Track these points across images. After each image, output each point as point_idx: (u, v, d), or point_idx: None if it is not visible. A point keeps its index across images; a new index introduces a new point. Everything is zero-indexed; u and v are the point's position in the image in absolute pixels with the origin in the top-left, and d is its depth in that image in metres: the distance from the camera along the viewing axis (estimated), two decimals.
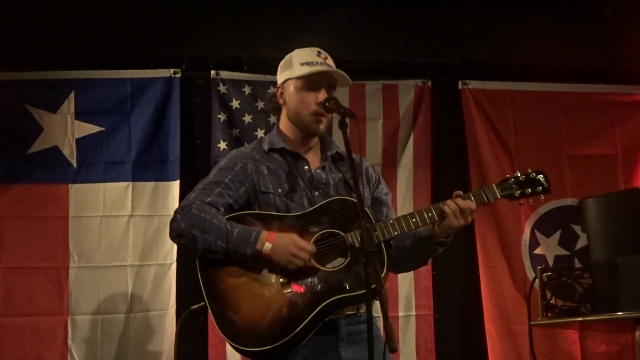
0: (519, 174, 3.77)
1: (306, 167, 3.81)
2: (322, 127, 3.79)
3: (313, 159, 3.86)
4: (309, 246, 3.57)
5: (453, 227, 3.63)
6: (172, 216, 3.77)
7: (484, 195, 3.70)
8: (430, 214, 3.64)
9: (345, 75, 3.80)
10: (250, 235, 3.58)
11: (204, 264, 3.66)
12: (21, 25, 6.10)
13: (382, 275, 3.38)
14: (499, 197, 3.73)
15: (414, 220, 3.64)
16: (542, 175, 3.77)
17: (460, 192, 3.68)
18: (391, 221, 3.65)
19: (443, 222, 3.64)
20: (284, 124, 3.90)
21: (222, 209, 3.70)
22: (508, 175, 3.79)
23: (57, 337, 5.91)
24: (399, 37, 6.59)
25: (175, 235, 3.72)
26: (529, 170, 3.78)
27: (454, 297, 6.49)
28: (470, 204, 3.64)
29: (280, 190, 3.75)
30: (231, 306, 3.59)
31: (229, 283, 3.61)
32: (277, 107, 3.94)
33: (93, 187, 6.07)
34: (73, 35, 6.14)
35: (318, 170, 3.82)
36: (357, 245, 3.57)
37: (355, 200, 3.58)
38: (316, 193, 3.77)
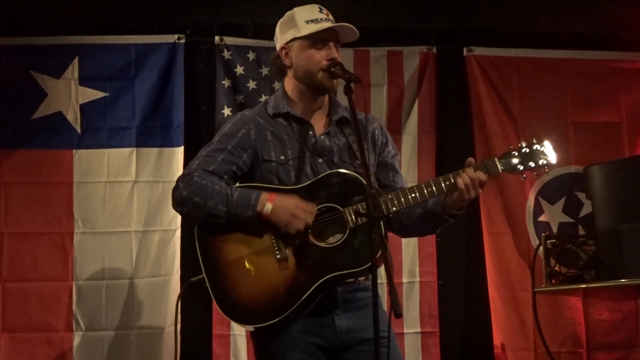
0: (523, 145, 3.67)
1: (310, 132, 3.78)
2: (336, 82, 3.74)
3: (318, 124, 3.83)
4: (311, 207, 3.57)
5: (464, 198, 3.57)
6: (174, 187, 3.76)
7: (486, 171, 3.60)
8: (430, 189, 3.59)
9: (353, 27, 3.77)
10: (250, 198, 3.58)
11: (203, 238, 3.69)
12: None
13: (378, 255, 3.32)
14: (499, 171, 3.63)
15: (413, 195, 3.59)
16: (546, 146, 3.66)
17: (473, 160, 3.61)
18: (389, 196, 3.60)
19: (452, 195, 3.59)
20: (290, 85, 3.86)
21: (225, 177, 3.71)
22: (511, 147, 3.68)
23: (62, 302, 5.94)
24: (404, 3, 6.54)
25: (177, 204, 3.72)
26: (534, 141, 3.68)
27: (458, 264, 6.49)
28: (480, 175, 3.56)
29: (282, 157, 3.74)
30: (229, 282, 3.62)
31: (227, 258, 3.63)
32: (281, 69, 3.89)
33: (97, 152, 6.07)
34: (77, 1, 6.11)
35: (322, 137, 3.78)
36: (355, 221, 3.55)
37: (354, 174, 3.58)
38: (320, 160, 3.75)
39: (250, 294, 3.59)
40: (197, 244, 3.68)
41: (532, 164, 3.66)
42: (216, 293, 3.62)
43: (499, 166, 3.64)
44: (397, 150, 4.02)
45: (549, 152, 3.67)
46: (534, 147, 3.67)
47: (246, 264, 3.61)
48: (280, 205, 3.56)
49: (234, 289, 3.60)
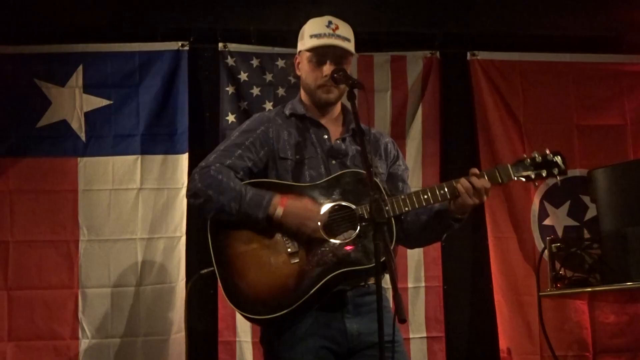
0: (535, 155, 3.73)
1: (326, 136, 3.84)
2: (331, 96, 3.81)
3: (333, 130, 3.88)
4: (321, 212, 3.60)
5: (467, 205, 3.62)
6: (189, 178, 3.81)
7: (498, 176, 3.67)
8: (442, 191, 3.63)
9: (349, 50, 3.81)
10: (262, 199, 3.60)
11: (215, 230, 3.69)
12: None
13: (392, 248, 3.36)
14: (513, 178, 3.69)
15: (425, 196, 3.64)
16: (559, 157, 3.73)
17: (476, 170, 3.66)
18: (402, 197, 3.65)
19: (457, 199, 3.63)
20: (303, 93, 3.94)
21: (240, 172, 3.74)
22: (525, 155, 3.76)
23: (68, 310, 5.95)
24: (408, 8, 6.55)
25: (191, 195, 3.74)
26: (547, 151, 3.74)
27: (463, 268, 6.49)
28: (484, 182, 3.61)
29: (298, 156, 3.78)
30: (238, 273, 3.62)
31: (238, 250, 3.64)
32: (298, 77, 3.97)
33: (102, 160, 6.08)
34: (81, 9, 6.11)
35: (338, 141, 3.84)
36: (367, 218, 3.57)
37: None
38: (333, 162, 3.79)
39: (259, 285, 3.59)
40: (208, 235, 3.69)
41: (544, 173, 3.73)
42: (225, 283, 3.61)
43: (511, 173, 3.70)
44: (407, 166, 4.08)
45: (561, 162, 3.74)
46: (547, 156, 3.74)
47: (257, 255, 3.62)
48: (292, 210, 3.59)
49: (242, 280, 3.60)
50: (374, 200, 3.26)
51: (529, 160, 3.73)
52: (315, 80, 3.81)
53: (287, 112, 3.90)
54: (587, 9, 6.66)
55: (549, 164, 3.72)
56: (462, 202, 3.61)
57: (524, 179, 3.72)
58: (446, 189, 3.63)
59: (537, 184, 3.78)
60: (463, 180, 3.61)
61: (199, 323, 6.01)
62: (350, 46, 3.83)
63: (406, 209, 3.64)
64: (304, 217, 3.58)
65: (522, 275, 6.33)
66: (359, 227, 3.59)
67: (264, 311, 3.57)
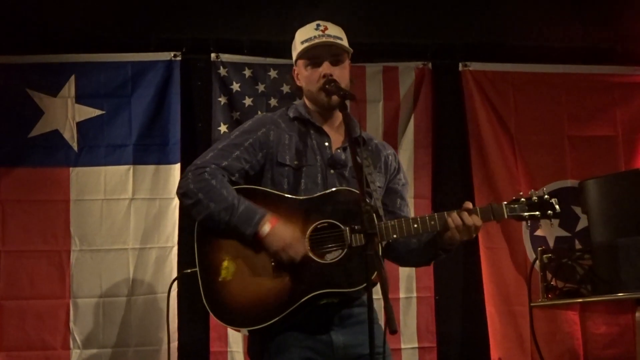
0: (532, 194, 3.74)
1: (327, 143, 3.81)
2: (334, 98, 3.74)
3: (335, 138, 3.85)
4: (303, 248, 3.56)
5: (455, 239, 3.62)
6: (183, 175, 3.77)
7: (491, 214, 3.67)
8: (433, 222, 3.63)
9: (342, 45, 3.80)
10: (254, 216, 3.56)
11: (203, 233, 3.67)
12: (21, 8, 6.08)
13: (374, 276, 3.29)
14: (505, 217, 3.71)
15: (415, 226, 3.63)
16: (555, 200, 3.74)
17: (470, 205, 3.66)
18: (392, 223, 3.63)
19: (447, 232, 3.63)
20: (306, 99, 3.91)
21: (236, 175, 3.71)
22: (521, 193, 3.77)
23: (59, 320, 5.93)
24: (400, 19, 6.56)
25: (182, 194, 3.71)
26: (544, 193, 3.75)
27: (455, 279, 6.49)
28: (476, 220, 3.62)
29: (296, 162, 3.75)
30: (221, 280, 3.60)
31: (223, 257, 3.62)
32: (299, 88, 3.93)
33: (94, 170, 6.08)
34: (73, 19, 6.12)
35: (339, 150, 3.81)
36: (354, 242, 3.55)
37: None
38: (331, 171, 3.77)
39: (240, 295, 3.58)
40: (195, 237, 3.68)
41: (538, 214, 3.73)
42: (206, 288, 3.60)
43: (505, 212, 3.71)
44: (407, 181, 4.09)
45: (557, 205, 3.74)
46: (544, 197, 3.74)
47: (241, 265, 3.60)
48: (278, 233, 3.55)
49: (223, 287, 3.58)
50: (365, 211, 3.24)
51: (524, 199, 3.72)
52: (316, 83, 3.76)
53: (291, 114, 3.88)
54: (579, 21, 6.68)
55: (544, 206, 3.73)
56: (451, 235, 3.62)
57: (516, 219, 3.74)
58: (437, 220, 3.64)
59: (529, 224, 3.78)
60: (454, 216, 3.61)
61: (190, 333, 6.01)
62: (343, 43, 3.81)
63: (394, 236, 3.63)
64: (286, 244, 3.54)
65: (514, 285, 6.33)
66: (345, 249, 3.57)
67: (241, 322, 3.61)
